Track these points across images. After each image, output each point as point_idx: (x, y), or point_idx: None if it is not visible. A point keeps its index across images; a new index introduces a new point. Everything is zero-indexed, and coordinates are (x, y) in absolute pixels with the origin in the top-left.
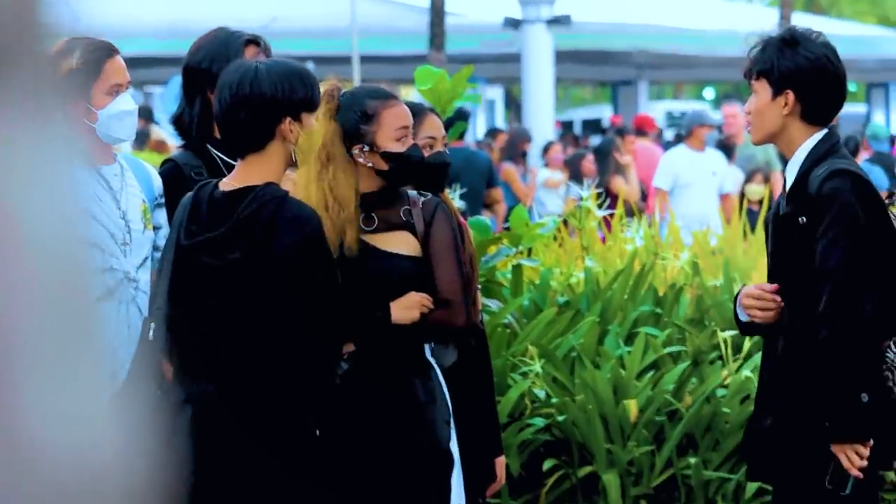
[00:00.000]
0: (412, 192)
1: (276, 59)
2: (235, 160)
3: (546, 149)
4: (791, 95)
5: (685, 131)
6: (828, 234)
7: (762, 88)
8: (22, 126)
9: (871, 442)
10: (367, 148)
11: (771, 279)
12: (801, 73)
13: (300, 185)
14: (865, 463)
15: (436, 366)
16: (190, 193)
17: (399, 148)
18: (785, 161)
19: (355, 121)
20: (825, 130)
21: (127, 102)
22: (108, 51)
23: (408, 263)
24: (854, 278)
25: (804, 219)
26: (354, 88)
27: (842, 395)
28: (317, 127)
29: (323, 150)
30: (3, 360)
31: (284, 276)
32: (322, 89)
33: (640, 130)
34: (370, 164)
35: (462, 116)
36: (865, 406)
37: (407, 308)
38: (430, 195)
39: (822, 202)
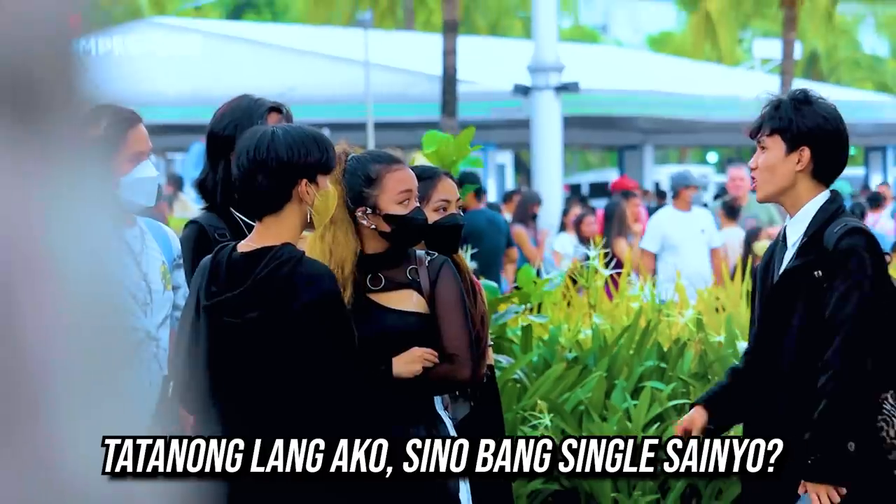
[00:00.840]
0: (420, 252)
1: (291, 125)
2: (254, 220)
3: (566, 212)
4: (807, 152)
5: (672, 193)
6: (842, 287)
7: (775, 145)
8: (65, 174)
9: (846, 491)
10: (370, 210)
11: (761, 328)
12: (819, 130)
13: (307, 245)
14: None
15: (447, 419)
16: (209, 256)
17: (401, 211)
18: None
19: (359, 184)
20: (830, 190)
21: (148, 169)
22: (132, 119)
23: (413, 320)
24: (863, 331)
25: (819, 273)
26: (360, 153)
27: (831, 439)
28: (332, 189)
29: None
30: (40, 392)
31: (303, 333)
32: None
33: (627, 192)
34: (373, 227)
35: (470, 179)
36: (850, 455)
37: (409, 362)
38: (436, 255)
39: (839, 257)
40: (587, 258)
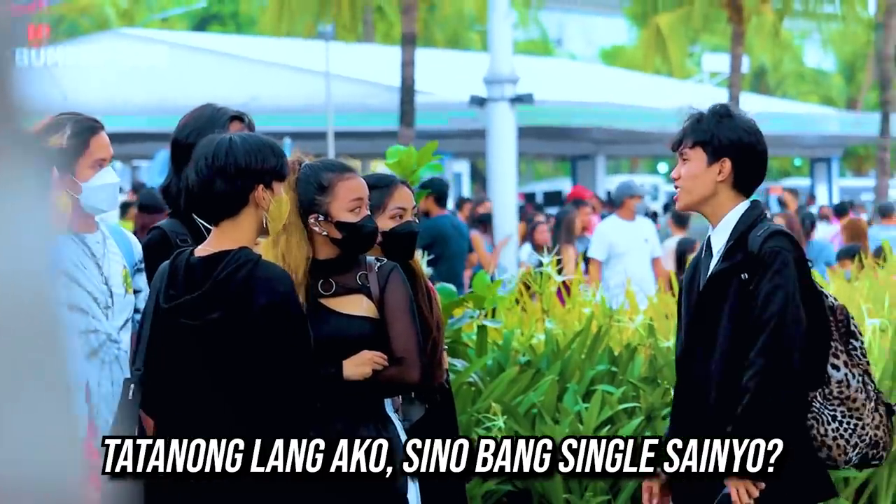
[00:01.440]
0: (370, 259)
1: (247, 133)
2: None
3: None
4: (728, 164)
5: (616, 202)
6: (767, 287)
7: (696, 157)
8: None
9: (764, 486)
10: (322, 217)
11: (689, 335)
12: (739, 143)
13: (261, 251)
14: (751, 502)
15: (396, 420)
16: (168, 260)
17: (352, 218)
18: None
19: (312, 192)
20: (750, 200)
21: (109, 176)
22: (95, 127)
23: (363, 324)
24: (788, 330)
25: (746, 275)
26: (314, 161)
27: (751, 434)
28: (286, 196)
29: (281, 220)
30: None
31: (261, 334)
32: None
33: (578, 201)
34: (325, 233)
35: (437, 185)
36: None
37: (359, 365)
38: (385, 261)
39: (763, 258)
40: (540, 264)
